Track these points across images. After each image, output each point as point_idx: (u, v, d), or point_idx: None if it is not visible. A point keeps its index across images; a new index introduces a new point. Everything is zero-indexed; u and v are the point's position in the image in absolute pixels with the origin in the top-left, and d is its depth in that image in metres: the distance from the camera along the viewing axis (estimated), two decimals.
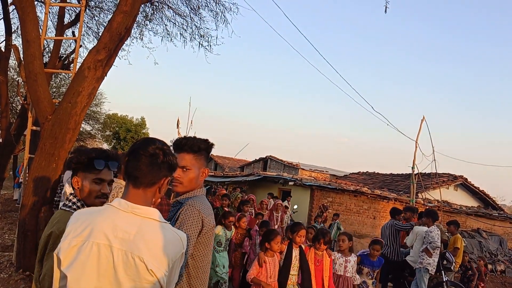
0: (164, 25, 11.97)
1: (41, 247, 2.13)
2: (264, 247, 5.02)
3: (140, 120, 40.73)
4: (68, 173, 4.72)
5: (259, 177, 18.47)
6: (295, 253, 5.13)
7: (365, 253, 6.33)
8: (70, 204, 2.28)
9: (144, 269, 1.58)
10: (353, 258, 5.79)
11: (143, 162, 1.68)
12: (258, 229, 6.97)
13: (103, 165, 2.30)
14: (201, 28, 11.61)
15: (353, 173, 28.98)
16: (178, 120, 16.23)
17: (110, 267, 1.55)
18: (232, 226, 6.55)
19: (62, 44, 11.42)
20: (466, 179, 22.01)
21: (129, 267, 1.57)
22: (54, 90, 19.66)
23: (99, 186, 2.30)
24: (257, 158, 29.76)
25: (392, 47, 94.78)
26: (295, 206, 14.83)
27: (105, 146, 37.47)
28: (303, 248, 5.32)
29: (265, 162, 28.81)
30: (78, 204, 2.28)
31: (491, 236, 15.92)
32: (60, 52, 10.62)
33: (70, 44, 13.10)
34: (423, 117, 14.49)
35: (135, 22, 6.02)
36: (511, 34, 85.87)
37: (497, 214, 19.33)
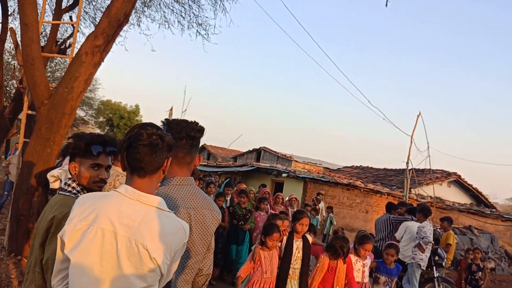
0: (162, 11, 11.89)
1: (43, 232, 2.10)
2: (261, 241, 4.66)
3: (134, 107, 40.59)
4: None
5: (252, 168, 18.48)
6: (297, 244, 4.71)
7: (381, 260, 5.78)
8: (70, 189, 2.27)
9: (147, 256, 1.58)
10: (368, 261, 5.30)
11: (144, 153, 1.67)
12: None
13: (100, 151, 2.28)
14: (199, 16, 11.53)
15: (346, 166, 29.07)
16: (171, 108, 16.21)
17: (113, 253, 1.55)
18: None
19: (59, 28, 11.29)
20: (460, 176, 22.14)
21: (132, 254, 1.57)
22: (49, 74, 19.51)
23: (97, 172, 2.29)
24: (251, 149, 29.73)
25: (390, 41, 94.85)
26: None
27: (98, 132, 37.28)
28: (309, 238, 4.90)
29: (258, 153, 28.79)
30: (78, 188, 2.27)
31: (483, 234, 16.03)
32: (57, 37, 10.50)
33: (67, 29, 12.96)
34: (419, 112, 14.57)
35: (133, 8, 5.97)
36: (509, 31, 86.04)
37: (489, 212, 19.47)
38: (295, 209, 9.66)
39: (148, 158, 1.68)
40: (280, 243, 4.80)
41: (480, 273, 8.33)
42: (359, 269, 5.07)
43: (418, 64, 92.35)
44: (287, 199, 10.43)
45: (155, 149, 1.69)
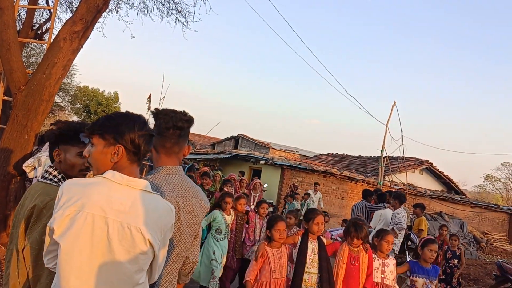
0: None
1: (24, 220, 2.09)
2: (266, 236, 4.28)
3: (112, 94, 39.98)
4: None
5: (230, 155, 18.53)
6: (313, 245, 4.20)
7: (416, 260, 5.04)
8: (51, 177, 2.25)
9: (140, 239, 1.64)
10: (391, 261, 4.56)
11: (144, 144, 1.78)
12: (256, 211, 6.30)
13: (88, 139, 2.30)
14: (179, 3, 11.43)
15: (323, 154, 29.35)
16: (149, 95, 16.03)
17: (104, 238, 1.58)
18: (231, 210, 5.87)
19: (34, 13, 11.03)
20: (432, 163, 22.65)
21: (124, 238, 1.61)
22: (24, 59, 19.01)
23: (83, 160, 2.28)
24: (229, 136, 29.79)
25: (367, 30, 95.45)
26: (265, 185, 14.99)
27: (75, 119, 36.70)
28: (324, 241, 4.38)
29: (236, 140, 28.87)
30: (59, 177, 2.26)
31: (453, 220, 16.54)
32: (32, 22, 10.27)
33: (42, 13, 12.67)
34: (394, 102, 14.78)
35: None
36: (488, 22, 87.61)
37: (459, 199, 20.02)
38: (258, 194, 10.01)
39: (144, 147, 1.79)
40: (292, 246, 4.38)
41: (456, 260, 7.75)
42: (377, 268, 4.43)
43: (394, 54, 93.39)
44: (251, 183, 10.69)
45: (150, 140, 1.82)
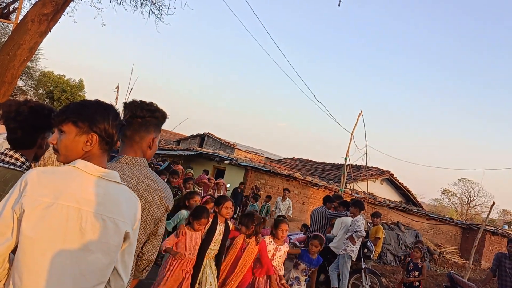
0: None
1: None
2: (188, 221, 4.81)
3: (78, 82, 38.96)
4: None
5: (195, 152, 18.42)
6: (220, 228, 4.87)
7: (306, 249, 6.08)
8: (13, 160, 2.09)
9: (115, 229, 1.63)
10: (284, 248, 5.43)
11: (116, 133, 1.76)
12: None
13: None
14: None
15: (287, 158, 29.58)
16: (117, 86, 15.78)
17: (77, 230, 1.56)
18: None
19: None
20: (392, 174, 23.17)
21: (98, 229, 1.59)
22: None
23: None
24: (195, 134, 29.60)
25: (339, 39, 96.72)
26: (228, 185, 14.95)
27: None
28: (230, 225, 5.07)
29: (202, 138, 28.71)
30: (23, 159, 2.12)
31: (409, 230, 16.89)
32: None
33: None
34: (361, 111, 15.01)
35: None
36: (453, 37, 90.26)
37: (416, 210, 20.53)
38: (221, 193, 10.04)
39: (116, 135, 1.77)
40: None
41: (417, 272, 7.68)
42: (270, 251, 5.24)
43: (364, 64, 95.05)
44: (214, 183, 10.68)
45: (120, 127, 1.80)
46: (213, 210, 5.09)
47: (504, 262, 7.47)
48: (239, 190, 13.70)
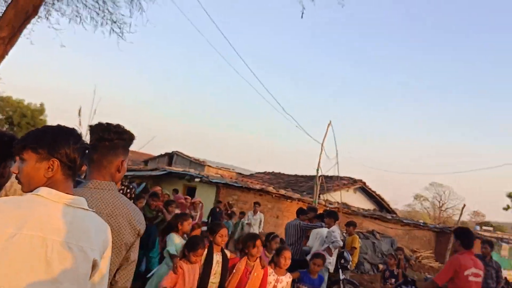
0: (74, 6, 11.15)
1: None
2: (183, 254, 4.47)
3: (38, 106, 38.02)
4: None
5: (164, 172, 18.04)
6: (217, 257, 4.56)
7: (305, 270, 5.70)
8: None
9: (83, 257, 1.57)
10: (286, 279, 4.92)
11: (79, 158, 1.73)
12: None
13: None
14: (114, 13, 10.99)
15: (259, 172, 29.45)
16: (80, 109, 15.33)
17: (43, 260, 1.49)
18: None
19: None
20: (365, 183, 23.29)
21: (65, 258, 1.53)
22: None
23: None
24: (163, 153, 29.18)
25: (306, 47, 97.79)
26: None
27: None
28: (227, 254, 4.75)
29: (170, 157, 28.29)
30: None
31: (384, 238, 16.92)
32: None
33: None
34: (330, 121, 15.05)
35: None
36: (419, 45, 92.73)
37: (390, 217, 20.63)
38: (198, 213, 9.76)
39: (79, 160, 1.74)
40: None
41: (393, 280, 7.66)
42: (270, 282, 4.76)
43: (330, 74, 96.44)
44: (191, 202, 10.37)
45: (85, 153, 1.80)
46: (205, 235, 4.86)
47: None
48: (218, 210, 13.42)
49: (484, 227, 38.37)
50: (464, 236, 5.02)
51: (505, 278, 8.28)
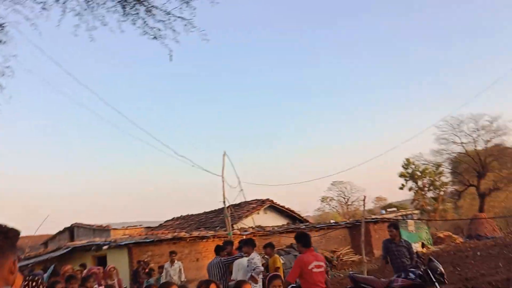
0: None
1: None
2: None
3: None
4: None
5: (67, 249, 16.85)
6: None
7: None
8: None
9: None
10: None
11: None
12: None
13: None
14: None
15: (168, 220, 28.71)
16: None
17: None
18: None
19: None
20: (272, 201, 23.78)
21: None
22: None
23: None
24: (62, 229, 27.30)
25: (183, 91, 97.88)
26: None
27: None
28: None
29: (71, 231, 26.56)
30: None
31: None
32: None
33: None
34: (224, 152, 15.21)
35: None
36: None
37: (304, 226, 21.27)
38: (115, 280, 9.30)
39: None
40: None
41: None
42: None
43: (219, 107, 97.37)
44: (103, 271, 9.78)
45: None
46: None
47: (390, 246, 7.98)
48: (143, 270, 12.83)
49: (388, 210, 41.17)
50: (302, 238, 6.05)
51: (416, 252, 8.86)
